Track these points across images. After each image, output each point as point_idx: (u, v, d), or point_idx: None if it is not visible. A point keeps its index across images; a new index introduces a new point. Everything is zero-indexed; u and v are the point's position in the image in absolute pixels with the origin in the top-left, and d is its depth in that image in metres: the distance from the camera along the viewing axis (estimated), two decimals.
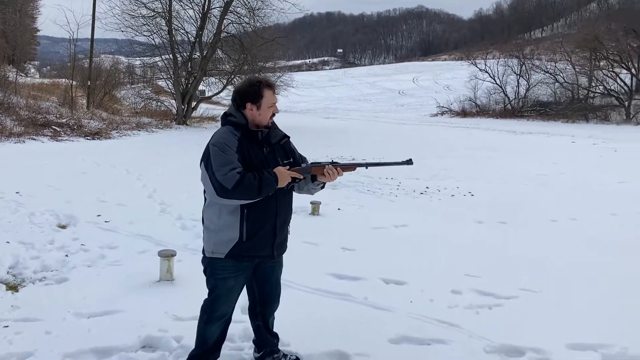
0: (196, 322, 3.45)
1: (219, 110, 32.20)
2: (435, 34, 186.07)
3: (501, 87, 43.82)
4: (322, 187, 2.87)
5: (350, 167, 2.84)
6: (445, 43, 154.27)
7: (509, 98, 43.11)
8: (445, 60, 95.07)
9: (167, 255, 4.26)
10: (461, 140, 21.67)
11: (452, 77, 66.55)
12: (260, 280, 2.86)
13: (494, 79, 44.11)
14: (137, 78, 37.81)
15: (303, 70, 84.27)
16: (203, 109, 29.75)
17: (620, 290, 4.30)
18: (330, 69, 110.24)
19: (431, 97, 53.68)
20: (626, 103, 35.84)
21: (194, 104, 26.79)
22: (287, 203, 2.80)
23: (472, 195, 8.97)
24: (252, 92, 2.65)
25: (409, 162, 2.83)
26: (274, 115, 2.74)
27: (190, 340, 3.19)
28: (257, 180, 2.54)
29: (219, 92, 29.34)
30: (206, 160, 2.61)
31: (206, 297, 2.84)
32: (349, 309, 3.81)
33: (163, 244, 5.23)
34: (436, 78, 72.56)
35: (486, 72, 44.52)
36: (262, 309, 2.92)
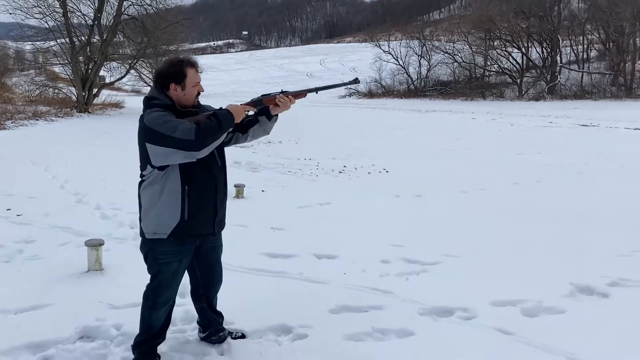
0: (134, 309, 3.42)
1: (122, 97, 30.90)
2: (339, 15, 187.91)
3: (404, 68, 45.32)
4: (275, 120, 2.89)
5: (301, 93, 2.88)
6: (349, 25, 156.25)
7: (412, 78, 44.69)
8: (350, 42, 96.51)
9: (94, 244, 4.14)
10: (371, 120, 22.28)
11: (358, 59, 67.81)
12: (202, 262, 2.88)
13: (397, 60, 45.53)
14: (29, 64, 35.34)
15: (208, 53, 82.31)
16: (105, 95, 28.37)
17: (529, 250, 4.71)
18: (236, 51, 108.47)
19: (339, 78, 54.39)
20: (518, 80, 38.33)
21: (95, 90, 25.45)
22: (224, 180, 2.83)
23: (387, 171, 9.33)
24: (175, 72, 2.61)
25: (355, 81, 2.95)
26: (199, 94, 2.72)
27: (131, 327, 3.16)
28: (214, 118, 2.55)
29: (122, 78, 28.13)
30: (151, 135, 2.52)
31: (148, 283, 2.81)
32: (286, 285, 3.91)
33: (85, 234, 5.05)
34: (342, 60, 73.62)
35: (390, 53, 45.84)
36: (205, 291, 2.94)
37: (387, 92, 44.67)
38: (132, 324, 3.19)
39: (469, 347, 3.00)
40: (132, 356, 2.82)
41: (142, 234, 2.72)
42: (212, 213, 2.74)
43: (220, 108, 2.69)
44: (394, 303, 3.56)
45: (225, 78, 65.18)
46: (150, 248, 2.70)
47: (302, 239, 4.98)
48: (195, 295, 2.97)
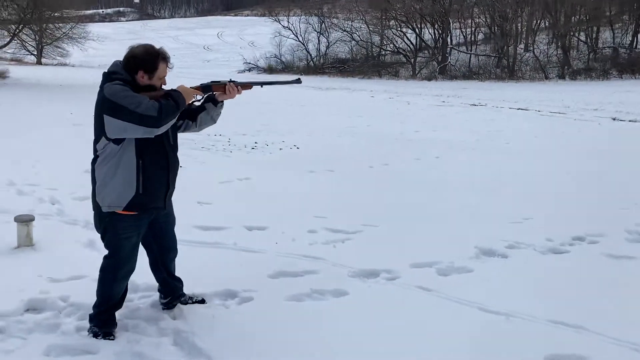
0: (76, 282, 3.52)
1: (4, 66, 28.51)
2: None
3: (304, 45, 45.64)
4: (221, 107, 3.06)
5: (248, 85, 3.07)
6: None
7: (311, 55, 45.16)
8: (248, 15, 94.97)
9: (25, 220, 4.09)
10: (274, 96, 22.43)
11: (256, 33, 67.05)
12: (158, 235, 3.04)
13: (297, 37, 45.75)
14: None
15: (97, 22, 77.39)
16: None
17: (437, 218, 5.25)
18: (127, 20, 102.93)
19: (237, 53, 53.70)
20: (412, 60, 40.05)
21: None
22: (176, 157, 3.00)
23: (297, 148, 9.65)
24: (149, 61, 2.74)
25: (298, 80, 3.21)
26: (161, 86, 2.86)
27: (78, 299, 3.27)
28: (171, 99, 2.72)
29: (5, 46, 25.99)
30: (112, 108, 2.61)
31: (106, 257, 2.91)
32: (223, 254, 4.13)
33: (5, 211, 4.89)
34: (240, 34, 72.43)
35: (289, 29, 45.92)
36: (164, 260, 3.11)
37: (286, 68, 44.79)
38: (78, 296, 3.30)
39: (396, 302, 3.42)
40: (88, 325, 2.94)
41: (96, 208, 2.81)
42: (164, 188, 2.90)
43: (172, 89, 2.84)
44: (326, 267, 3.91)
45: (117, 48, 61.64)
46: (109, 224, 2.81)
47: (230, 212, 5.18)
48: (155, 267, 3.13)
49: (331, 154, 9.09)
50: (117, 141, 2.69)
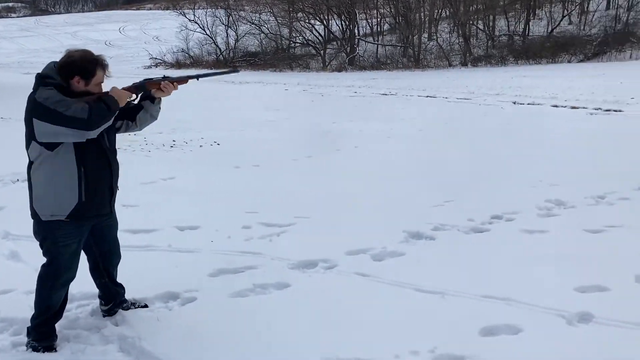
0: (5, 296, 3.36)
1: None
2: None
3: (212, 38, 44.85)
4: (159, 104, 3.01)
5: (183, 80, 3.03)
6: None
7: (220, 49, 44.48)
8: (151, 9, 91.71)
9: None
10: (186, 92, 21.93)
11: (161, 27, 65.04)
12: (99, 240, 2.95)
13: (204, 30, 44.86)
14: None
15: None
16: None
17: (364, 206, 5.42)
18: (18, 16, 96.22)
19: (142, 48, 51.88)
20: (322, 52, 40.49)
21: None
22: (117, 160, 2.94)
23: (218, 144, 9.55)
24: (86, 68, 2.66)
25: (235, 70, 3.22)
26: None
27: (10, 312, 3.15)
28: (102, 102, 2.64)
29: None
30: (42, 112, 2.54)
31: (45, 265, 2.80)
32: (158, 257, 4.06)
33: None
34: (144, 28, 69.85)
35: (196, 22, 44.92)
36: (106, 266, 3.03)
37: (195, 62, 43.83)
38: (9, 311, 3.16)
39: (336, 289, 3.53)
40: (26, 340, 2.81)
41: (35, 216, 2.70)
42: (108, 194, 2.83)
43: (105, 93, 2.77)
44: (265, 262, 3.95)
45: (9, 47, 57.72)
46: (49, 232, 2.70)
47: (158, 214, 5.08)
48: (96, 273, 3.04)
49: (254, 148, 9.08)
50: (50, 146, 2.60)
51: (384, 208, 5.38)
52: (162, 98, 2.99)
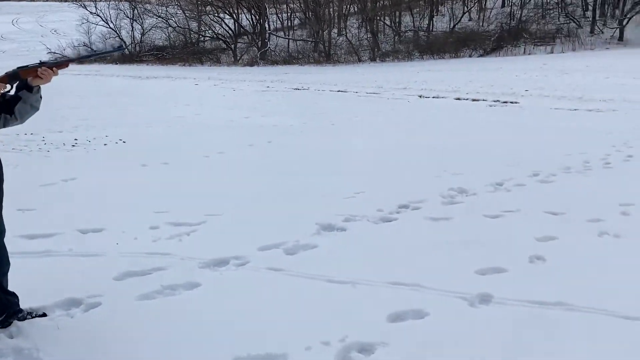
0: None
1: None
2: None
3: (116, 32, 43.02)
4: (38, 92, 2.77)
5: (64, 64, 2.82)
6: None
7: (125, 43, 42.67)
8: (47, 0, 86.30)
9: None
10: (89, 88, 20.91)
11: (60, 20, 61.34)
12: None
13: (108, 23, 42.94)
14: None
15: None
16: None
17: (277, 200, 5.42)
18: None
19: (38, 41, 48.68)
20: (232, 46, 39.97)
21: None
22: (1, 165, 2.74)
23: (124, 142, 9.18)
24: None
25: (120, 48, 3.03)
26: None
27: None
28: None
29: None
30: None
31: None
32: (59, 262, 3.84)
33: None
34: (40, 20, 65.63)
35: (98, 15, 42.88)
36: None
37: (99, 57, 41.87)
38: None
39: (248, 286, 3.50)
40: None
41: None
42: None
43: None
44: (174, 262, 3.84)
45: None
46: None
47: (59, 217, 4.80)
48: None
49: (162, 145, 8.81)
50: None
51: (296, 202, 5.40)
52: (42, 86, 2.77)
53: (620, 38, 32.36)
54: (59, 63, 2.80)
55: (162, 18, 42.09)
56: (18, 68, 2.71)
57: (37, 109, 2.82)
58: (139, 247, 4.11)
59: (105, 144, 8.96)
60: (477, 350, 2.73)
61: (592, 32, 33.94)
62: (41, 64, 2.72)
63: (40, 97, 2.81)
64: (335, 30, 40.19)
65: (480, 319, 3.06)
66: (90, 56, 3.06)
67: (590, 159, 7.20)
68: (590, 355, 2.69)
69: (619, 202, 5.20)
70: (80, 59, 2.95)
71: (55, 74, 2.75)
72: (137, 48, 42.65)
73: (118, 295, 3.33)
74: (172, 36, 42.60)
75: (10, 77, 2.67)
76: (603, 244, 4.20)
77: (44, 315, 3.05)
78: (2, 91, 2.66)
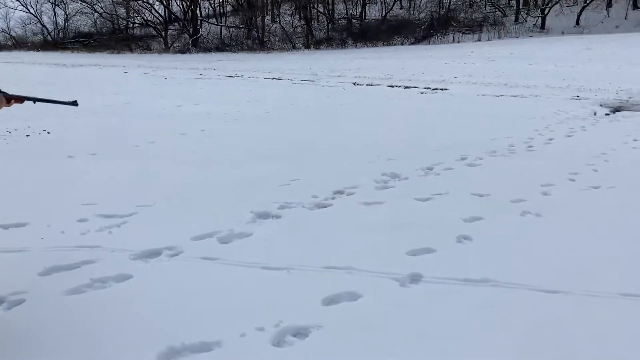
0: None
1: None
2: None
3: (37, 17, 40.98)
4: None
5: (20, 99, 2.84)
6: None
7: (47, 29, 40.77)
8: None
9: None
10: (9, 76, 19.80)
11: None
12: None
13: (27, 8, 40.78)
14: None
15: None
16: None
17: (208, 191, 5.35)
18: None
19: None
20: (163, 33, 38.88)
21: None
22: None
23: (48, 133, 8.78)
24: None
25: (74, 103, 3.06)
26: None
27: None
28: None
29: None
30: None
31: None
32: None
33: None
34: None
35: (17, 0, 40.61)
36: None
37: (18, 44, 39.71)
38: None
39: (181, 276, 3.45)
40: None
41: None
42: None
43: None
44: (104, 255, 3.73)
45: None
46: None
47: None
48: None
49: (89, 136, 8.49)
50: None
51: (231, 191, 5.36)
52: None
53: (542, 26, 33.87)
54: (17, 97, 2.83)
55: (87, 3, 40.41)
56: None
57: None
58: (66, 241, 3.95)
59: (28, 135, 8.53)
60: (409, 329, 2.82)
61: (516, 20, 35.34)
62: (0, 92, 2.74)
63: None
64: (269, 17, 39.85)
65: (411, 297, 3.16)
66: (47, 101, 3.06)
67: (515, 142, 7.54)
68: (515, 328, 2.83)
69: (540, 183, 5.48)
70: (36, 100, 2.96)
71: (9, 105, 2.78)
72: (61, 34, 40.76)
73: (44, 290, 3.20)
74: (98, 22, 41.04)
75: None
76: (525, 223, 4.43)
77: None
78: None
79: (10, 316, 2.95)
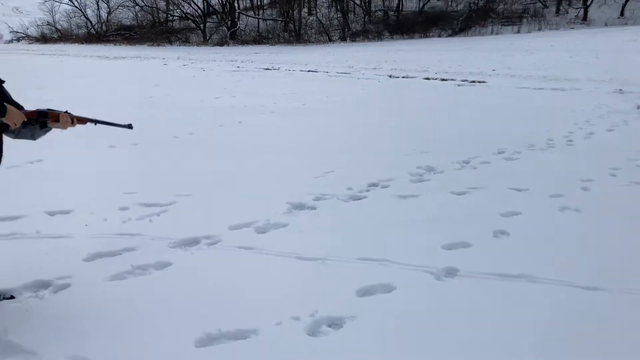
0: None
1: None
2: None
3: (81, 11, 41.96)
4: (46, 133, 2.96)
5: (83, 120, 3.03)
6: None
7: (91, 22, 41.71)
8: None
9: None
10: (55, 67, 20.40)
11: None
12: None
13: (73, 2, 41.80)
14: None
15: None
16: None
17: (248, 181, 5.43)
18: None
19: (0, 21, 47.16)
20: (202, 26, 39.33)
21: None
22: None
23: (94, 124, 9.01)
24: None
25: (129, 126, 3.31)
26: None
27: None
28: None
29: None
30: None
31: None
32: (25, 245, 3.79)
33: None
34: None
35: None
36: None
37: (64, 36, 40.79)
38: None
39: (219, 264, 3.53)
40: None
41: None
42: None
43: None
44: (144, 242, 3.84)
45: None
46: None
47: (24, 199, 4.74)
48: None
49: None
50: None
51: (267, 182, 5.42)
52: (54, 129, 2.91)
53: (584, 18, 32.89)
54: (80, 118, 3.03)
55: None
56: (48, 109, 2.88)
57: (35, 140, 3.04)
58: (108, 229, 4.09)
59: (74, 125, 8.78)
60: (443, 322, 2.82)
61: (557, 12, 34.41)
62: (66, 112, 2.92)
63: (43, 135, 3.01)
64: (306, 10, 39.85)
65: (445, 291, 3.15)
66: (106, 123, 3.23)
67: (554, 136, 7.38)
68: (551, 325, 2.80)
69: (580, 178, 5.37)
70: (97, 122, 3.13)
71: (73, 125, 2.96)
72: (104, 27, 41.68)
73: (88, 275, 3.33)
74: (139, 15, 41.75)
75: (40, 113, 2.85)
76: (564, 218, 4.35)
77: (12, 297, 3.04)
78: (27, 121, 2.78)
79: (55, 300, 3.08)
